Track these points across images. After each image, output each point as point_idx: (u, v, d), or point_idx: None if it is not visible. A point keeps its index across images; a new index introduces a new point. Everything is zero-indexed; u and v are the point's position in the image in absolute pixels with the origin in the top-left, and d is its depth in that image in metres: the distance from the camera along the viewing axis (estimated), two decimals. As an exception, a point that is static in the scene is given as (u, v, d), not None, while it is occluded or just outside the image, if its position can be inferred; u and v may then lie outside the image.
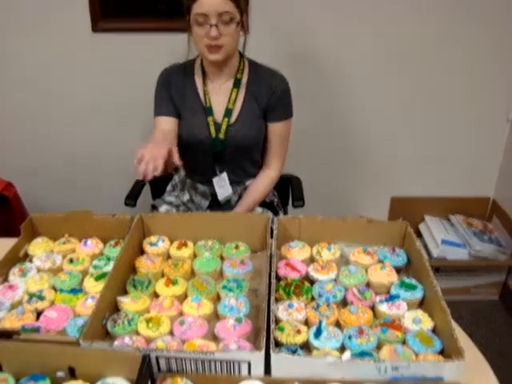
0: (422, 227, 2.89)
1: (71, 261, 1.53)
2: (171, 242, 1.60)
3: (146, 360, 1.09)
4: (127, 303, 1.35)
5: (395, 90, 2.55)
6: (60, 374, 1.15)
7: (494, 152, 2.74)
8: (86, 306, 1.34)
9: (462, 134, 2.67)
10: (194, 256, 1.56)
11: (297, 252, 1.53)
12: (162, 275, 1.49)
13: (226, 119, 1.91)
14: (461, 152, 2.73)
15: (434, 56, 2.46)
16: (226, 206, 2.04)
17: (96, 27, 2.39)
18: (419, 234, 2.86)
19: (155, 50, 2.40)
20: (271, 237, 1.50)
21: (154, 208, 2.13)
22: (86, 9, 2.35)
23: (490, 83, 2.53)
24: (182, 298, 1.40)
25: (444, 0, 2.34)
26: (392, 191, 2.82)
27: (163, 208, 2.08)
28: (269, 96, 1.91)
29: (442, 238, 2.71)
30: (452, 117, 2.62)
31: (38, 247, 1.60)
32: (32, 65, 2.50)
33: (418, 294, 1.38)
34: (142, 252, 1.57)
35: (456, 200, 2.87)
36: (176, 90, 1.95)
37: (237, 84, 1.92)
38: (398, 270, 1.49)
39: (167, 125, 1.94)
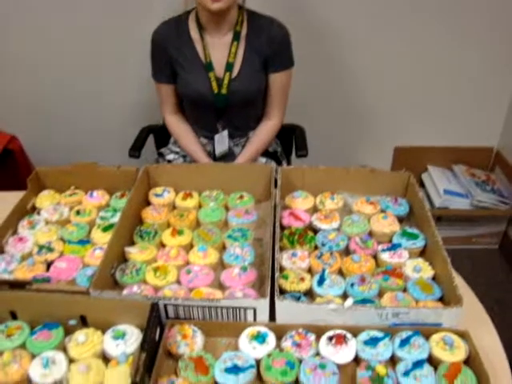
0: (424, 177, 2.90)
1: (78, 212, 1.55)
2: (176, 192, 1.61)
3: (154, 308, 1.13)
4: (135, 253, 1.38)
5: (398, 40, 2.50)
6: (72, 322, 1.19)
7: (498, 102, 2.70)
8: (95, 256, 1.37)
9: (466, 84, 2.63)
10: (199, 206, 1.59)
11: (300, 202, 1.55)
12: (168, 225, 1.51)
13: (228, 74, 1.89)
14: (465, 101, 2.69)
15: (437, 3, 2.40)
16: (230, 157, 2.04)
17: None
18: (422, 184, 2.86)
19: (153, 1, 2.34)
20: (275, 187, 1.51)
21: (161, 156, 2.14)
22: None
23: (496, 31, 2.48)
24: (188, 247, 1.43)
25: None
26: (395, 141, 2.81)
27: (170, 156, 2.09)
28: (269, 46, 1.88)
29: (444, 187, 2.72)
30: (456, 65, 2.58)
31: (45, 200, 1.62)
32: (30, 7, 2.45)
33: (419, 243, 1.41)
34: (147, 203, 1.59)
35: (459, 150, 2.86)
36: (172, 47, 1.90)
37: (236, 37, 1.88)
38: (400, 220, 1.52)
39: (169, 92, 1.99)
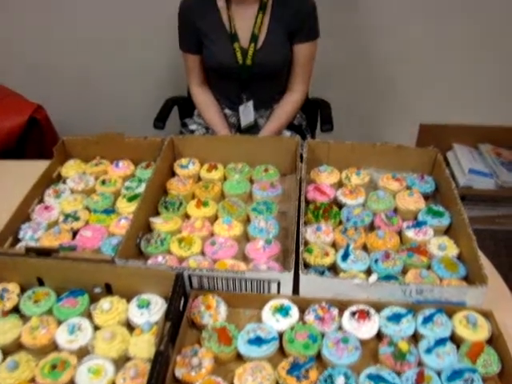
0: (449, 155, 2.86)
1: (103, 182, 1.56)
2: (201, 164, 1.62)
3: (179, 278, 1.14)
4: (159, 224, 1.39)
5: (425, 13, 2.45)
6: (97, 289, 1.21)
7: (527, 80, 2.65)
8: (120, 226, 1.39)
9: (493, 61, 2.58)
10: (224, 178, 1.59)
11: (326, 176, 1.54)
12: (193, 197, 1.52)
13: (253, 45, 1.87)
14: (492, 79, 2.64)
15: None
16: (254, 129, 2.04)
17: None
18: (447, 162, 2.79)
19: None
20: (300, 161, 1.51)
21: (184, 125, 2.14)
22: None
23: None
24: (213, 219, 1.43)
25: None
26: (421, 118, 2.77)
27: (193, 126, 2.10)
28: (295, 17, 1.86)
29: (469, 166, 2.69)
30: (483, 42, 2.52)
31: (71, 169, 1.63)
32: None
33: (444, 221, 1.39)
34: (172, 174, 1.60)
35: (486, 129, 2.81)
36: (198, 17, 1.90)
37: (262, 8, 1.86)
38: (426, 197, 1.50)
39: (195, 62, 1.98)
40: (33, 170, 1.56)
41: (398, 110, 2.77)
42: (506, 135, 2.83)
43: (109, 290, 1.22)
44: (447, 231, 1.41)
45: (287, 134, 2.04)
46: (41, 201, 1.52)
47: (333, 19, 2.30)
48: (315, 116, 2.22)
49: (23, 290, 1.24)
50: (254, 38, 1.87)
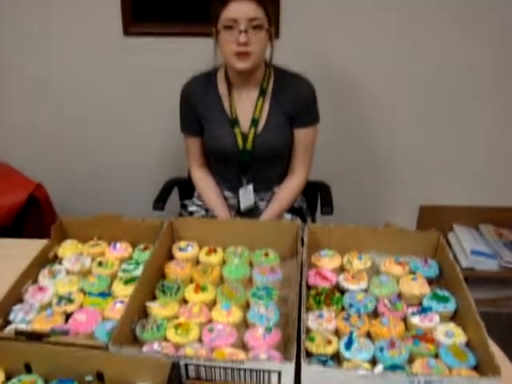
0: (450, 236, 2.84)
1: (100, 264, 1.53)
2: (200, 247, 1.59)
3: (175, 367, 1.09)
4: (156, 308, 1.35)
5: (422, 99, 2.52)
6: (88, 378, 1.15)
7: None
8: (115, 310, 1.34)
9: (491, 142, 2.62)
10: (224, 262, 1.56)
11: (327, 261, 1.51)
12: (191, 281, 1.48)
13: (253, 129, 1.90)
14: (491, 160, 2.67)
15: (458, 60, 2.42)
16: (254, 212, 2.03)
17: (127, 31, 2.41)
18: (448, 244, 2.80)
19: (185, 55, 2.40)
20: (301, 244, 1.48)
21: (184, 207, 2.13)
22: (118, 12, 2.37)
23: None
24: (211, 304, 1.39)
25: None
26: (420, 199, 2.78)
27: (193, 208, 2.09)
28: (295, 103, 1.89)
29: (471, 247, 2.66)
30: (481, 125, 2.57)
31: (68, 249, 1.60)
32: (60, 66, 2.53)
33: (450, 307, 1.36)
34: (171, 257, 1.57)
35: (486, 209, 2.81)
36: (200, 102, 1.93)
37: (262, 93, 1.90)
38: (430, 282, 1.47)
39: (196, 145, 2.02)
40: (29, 249, 1.54)
41: (398, 191, 2.78)
42: (507, 215, 2.82)
43: (100, 379, 1.16)
44: (453, 317, 1.36)
45: (288, 216, 2.02)
46: (35, 281, 1.48)
47: (333, 103, 2.36)
48: (315, 198, 2.22)
49: (9, 377, 1.17)
50: (254, 123, 1.90)
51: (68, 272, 1.52)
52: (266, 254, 1.54)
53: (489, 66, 2.43)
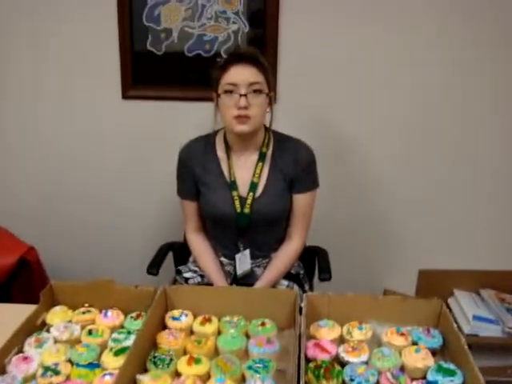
0: (451, 302, 2.77)
1: (90, 332, 1.48)
2: (195, 316, 1.54)
3: None
4: (147, 382, 1.28)
5: (420, 165, 2.54)
6: None
7: (525, 225, 2.67)
8: (104, 382, 1.27)
9: (491, 206, 2.61)
10: (219, 332, 1.50)
11: (326, 331, 1.46)
12: (185, 352, 1.42)
13: (252, 193, 1.88)
14: (491, 223, 2.66)
15: (460, 121, 2.45)
16: (251, 277, 1.98)
17: (126, 94, 2.43)
18: (448, 308, 2.73)
19: (183, 119, 2.42)
20: (300, 313, 1.44)
21: (179, 273, 2.09)
22: (118, 75, 2.40)
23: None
24: (205, 377, 1.32)
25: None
26: (420, 264, 2.72)
27: (188, 274, 2.04)
28: (294, 168, 1.89)
29: (473, 313, 2.59)
30: (482, 187, 2.58)
31: (57, 316, 1.55)
32: (59, 129, 2.54)
33: (457, 380, 1.29)
34: (164, 326, 1.52)
35: (487, 273, 2.75)
36: (198, 165, 1.93)
37: (262, 157, 1.90)
38: (434, 352, 1.41)
39: (193, 209, 2.00)
40: (17, 315, 1.48)
41: (397, 255, 2.75)
42: (508, 280, 2.77)
43: None
44: (460, 391, 1.30)
45: (284, 283, 1.98)
46: (20, 350, 1.42)
47: (331, 169, 2.36)
48: (313, 264, 2.18)
49: None
50: (253, 187, 1.88)
51: (56, 341, 1.46)
52: (263, 324, 1.49)
53: (492, 121, 2.45)
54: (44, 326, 1.54)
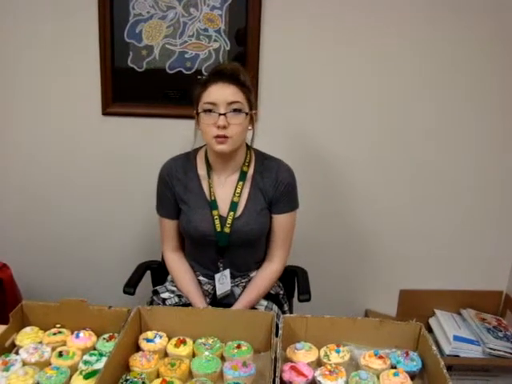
0: (432, 322, 2.77)
1: (60, 354, 1.43)
2: (169, 338, 1.51)
3: None
4: (117, 407, 1.24)
5: (402, 184, 2.54)
6: None
7: (506, 244, 2.67)
8: (72, 408, 1.24)
9: (473, 227, 2.62)
10: (193, 355, 1.47)
11: (303, 354, 1.43)
12: (158, 375, 1.39)
13: (232, 213, 1.86)
14: (472, 244, 2.66)
15: (436, 141, 2.47)
16: (230, 297, 1.95)
17: (106, 110, 2.40)
18: (429, 329, 2.73)
19: (164, 136, 2.41)
20: (276, 335, 1.41)
21: (156, 293, 2.05)
22: (98, 91, 2.37)
23: (505, 174, 2.51)
24: (178, 403, 1.29)
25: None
26: (401, 284, 2.73)
27: (165, 294, 2.00)
28: (274, 188, 1.88)
29: (453, 333, 2.59)
30: (462, 210, 2.59)
31: (27, 337, 1.51)
32: (37, 143, 2.50)
33: (435, 406, 1.27)
34: (137, 348, 1.48)
35: (467, 294, 2.77)
36: (178, 184, 1.91)
37: (242, 177, 1.88)
38: (412, 376, 1.39)
39: (172, 228, 1.97)
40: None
41: (377, 276, 2.74)
42: (488, 300, 2.78)
43: None
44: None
45: (263, 303, 1.95)
46: (-13, 374, 1.37)
47: (313, 188, 2.35)
48: (292, 284, 2.15)
49: None
50: (233, 206, 1.86)
51: (24, 363, 1.41)
52: (239, 346, 1.46)
53: (470, 145, 2.47)
54: (14, 348, 1.49)
